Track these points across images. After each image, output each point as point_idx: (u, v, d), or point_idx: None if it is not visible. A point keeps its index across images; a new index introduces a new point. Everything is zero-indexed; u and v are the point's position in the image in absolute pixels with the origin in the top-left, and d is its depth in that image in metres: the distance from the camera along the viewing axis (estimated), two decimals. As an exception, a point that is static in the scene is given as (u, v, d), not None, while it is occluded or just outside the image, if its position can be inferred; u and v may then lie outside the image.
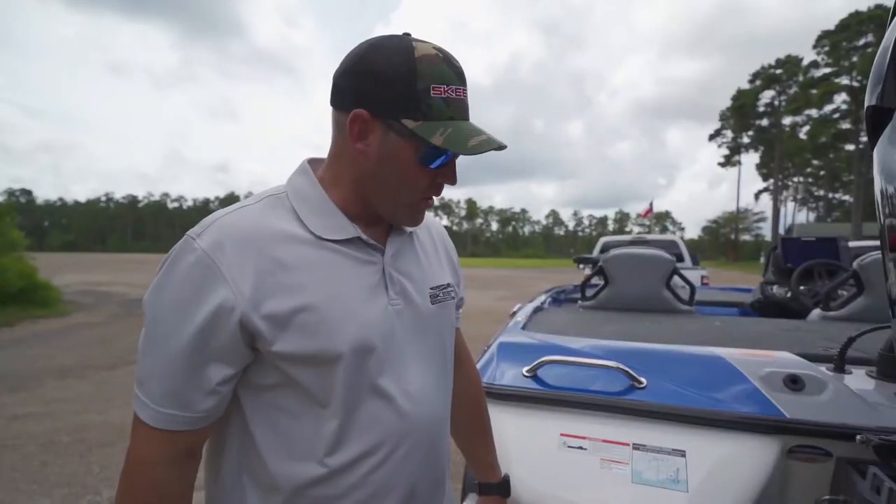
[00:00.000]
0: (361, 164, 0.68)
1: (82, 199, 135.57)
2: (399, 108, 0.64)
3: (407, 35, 0.67)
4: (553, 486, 1.08)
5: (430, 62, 0.64)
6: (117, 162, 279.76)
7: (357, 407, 0.67)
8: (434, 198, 0.73)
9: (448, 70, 0.65)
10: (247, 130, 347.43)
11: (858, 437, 0.90)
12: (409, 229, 0.79)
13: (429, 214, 0.88)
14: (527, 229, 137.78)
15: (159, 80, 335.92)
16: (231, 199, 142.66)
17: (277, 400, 0.67)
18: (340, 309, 0.66)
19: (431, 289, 0.79)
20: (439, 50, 0.66)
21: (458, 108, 0.66)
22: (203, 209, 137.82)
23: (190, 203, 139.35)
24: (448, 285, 0.83)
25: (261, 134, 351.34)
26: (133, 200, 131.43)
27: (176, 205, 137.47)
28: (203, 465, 0.72)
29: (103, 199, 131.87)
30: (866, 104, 0.82)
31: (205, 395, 0.63)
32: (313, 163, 0.76)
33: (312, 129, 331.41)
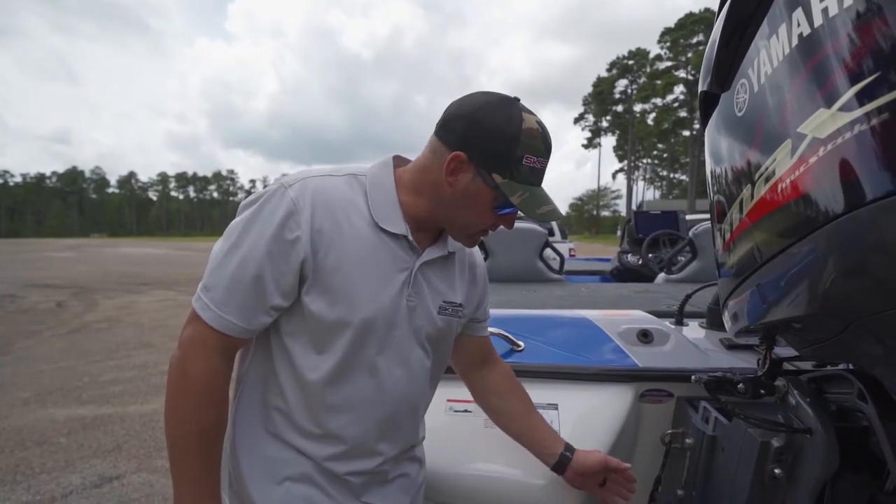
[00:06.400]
0: (444, 191, 0.81)
1: None
2: (494, 163, 0.78)
3: (517, 100, 0.80)
4: (442, 448, 1.13)
5: (531, 135, 0.78)
6: None
7: (350, 367, 0.82)
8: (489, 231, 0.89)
9: (541, 145, 0.79)
10: (92, 96, 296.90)
11: (693, 377, 1.06)
12: (451, 249, 0.92)
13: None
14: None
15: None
16: (73, 173, 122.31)
17: (291, 341, 0.82)
18: (366, 285, 0.80)
19: (444, 302, 0.91)
20: (540, 125, 0.80)
21: (538, 177, 0.81)
22: (37, 186, 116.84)
23: (18, 179, 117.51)
24: (459, 305, 0.95)
25: (109, 101, 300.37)
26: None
27: None
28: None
29: None
30: (699, 89, 0.94)
31: (262, 312, 0.78)
32: (397, 158, 0.90)
33: (173, 97, 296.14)
